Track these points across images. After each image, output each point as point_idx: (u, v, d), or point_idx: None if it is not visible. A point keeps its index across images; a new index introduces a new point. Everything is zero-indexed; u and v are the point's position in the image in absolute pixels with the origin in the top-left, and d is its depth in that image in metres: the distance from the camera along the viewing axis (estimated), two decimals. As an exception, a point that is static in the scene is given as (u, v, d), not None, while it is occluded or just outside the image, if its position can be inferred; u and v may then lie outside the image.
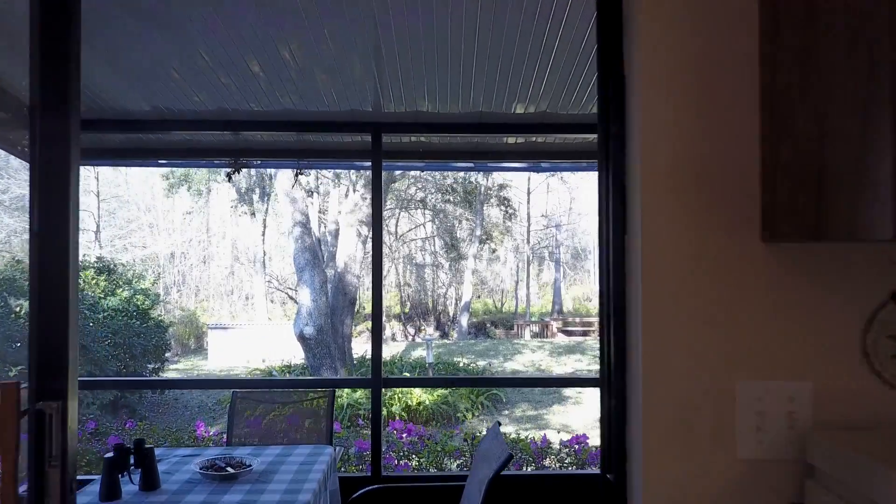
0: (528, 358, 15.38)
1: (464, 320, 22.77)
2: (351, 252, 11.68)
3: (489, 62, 2.57)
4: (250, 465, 2.25)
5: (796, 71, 0.89)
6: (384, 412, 8.93)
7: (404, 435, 4.23)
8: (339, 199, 15.52)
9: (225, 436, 3.24)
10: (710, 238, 0.99)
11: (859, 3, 0.76)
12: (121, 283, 10.22)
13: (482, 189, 22.76)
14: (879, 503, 0.74)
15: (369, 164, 3.19)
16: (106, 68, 2.61)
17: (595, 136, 3.20)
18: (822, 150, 0.82)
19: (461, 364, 12.71)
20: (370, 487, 2.49)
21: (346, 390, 9.70)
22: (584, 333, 23.72)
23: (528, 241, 27.59)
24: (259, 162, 3.42)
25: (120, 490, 2.05)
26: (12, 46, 2.40)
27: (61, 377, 1.02)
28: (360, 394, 9.65)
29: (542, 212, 33.65)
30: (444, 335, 24.60)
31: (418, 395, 9.64)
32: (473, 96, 2.88)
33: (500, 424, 2.40)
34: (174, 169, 23.22)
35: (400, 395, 9.52)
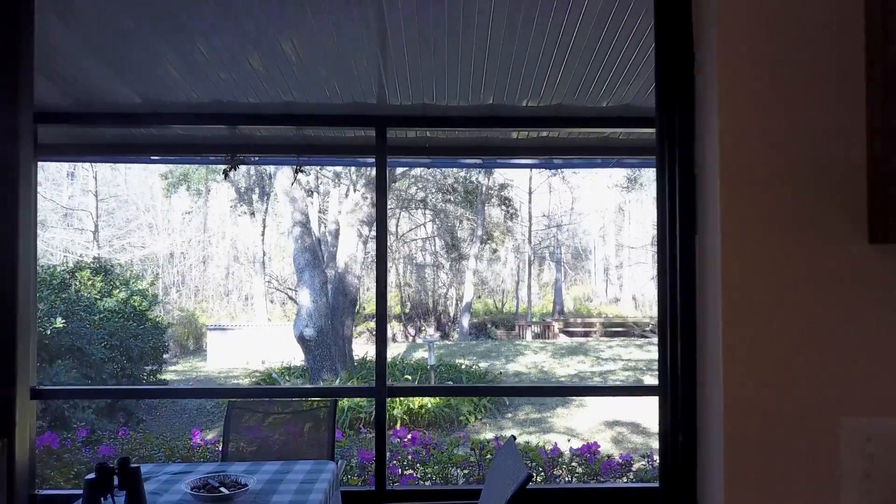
0: (531, 359, 15.22)
1: (465, 321, 22.60)
2: (351, 252, 11.51)
3: (502, 53, 2.40)
4: (246, 485, 2.08)
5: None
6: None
7: (408, 441, 4.06)
8: (340, 198, 15.36)
9: (220, 444, 3.08)
10: (803, 239, 0.81)
11: None
12: (118, 283, 10.05)
13: (483, 189, 22.60)
14: None
15: (373, 160, 3.02)
16: (95, 61, 2.45)
17: (612, 129, 3.02)
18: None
19: (463, 366, 12.54)
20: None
21: (346, 393, 9.55)
22: (586, 334, 23.57)
23: (530, 241, 27.41)
24: (257, 158, 3.26)
25: (103, 513, 1.88)
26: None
27: (6, 410, 0.85)
28: (360, 385, 9.48)
29: (543, 211, 33.51)
30: (445, 336, 24.44)
31: (420, 398, 9.47)
32: (484, 89, 2.71)
33: (514, 439, 2.22)
34: (173, 169, 23.12)
35: (402, 399, 9.35)
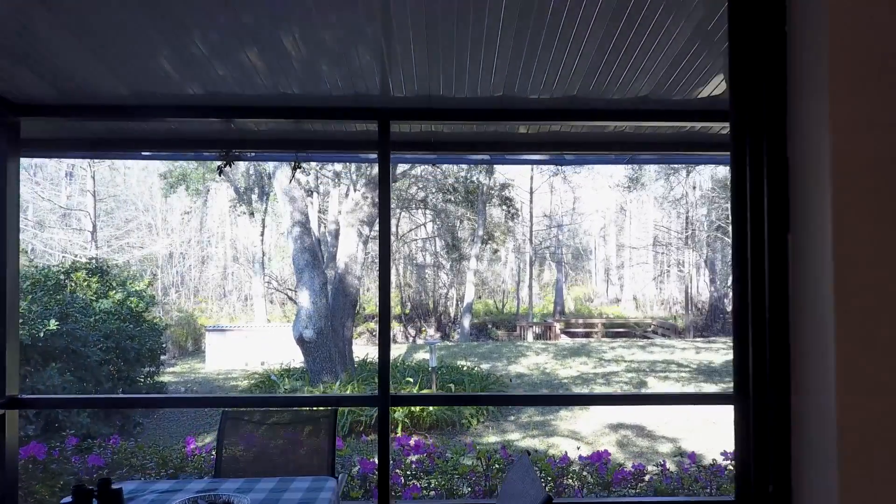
0: (532, 361, 15.06)
1: (466, 322, 22.45)
2: (352, 252, 11.35)
3: (514, 41, 2.24)
4: (239, 504, 1.93)
5: None
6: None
7: (411, 452, 3.90)
8: (340, 198, 15.21)
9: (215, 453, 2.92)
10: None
11: None
12: (114, 284, 9.89)
13: (484, 188, 22.45)
14: None
15: (375, 155, 2.86)
16: (82, 51, 2.29)
17: (627, 123, 2.85)
18: None
19: (464, 368, 12.38)
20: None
21: (346, 392, 9.39)
22: (587, 335, 23.44)
23: (531, 241, 27.26)
24: (253, 154, 3.10)
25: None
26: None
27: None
28: (362, 394, 9.33)
29: (544, 211, 33.37)
30: (445, 336, 24.30)
31: (419, 394, 9.31)
32: (493, 79, 2.55)
33: (529, 454, 2.06)
34: (172, 168, 23.00)
35: (403, 401, 9.20)
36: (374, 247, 20.40)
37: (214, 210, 29.59)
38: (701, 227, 27.83)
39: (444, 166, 22.54)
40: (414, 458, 3.89)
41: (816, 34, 0.73)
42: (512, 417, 9.91)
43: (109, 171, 25.78)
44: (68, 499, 1.69)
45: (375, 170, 12.15)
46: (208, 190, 25.17)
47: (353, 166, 12.69)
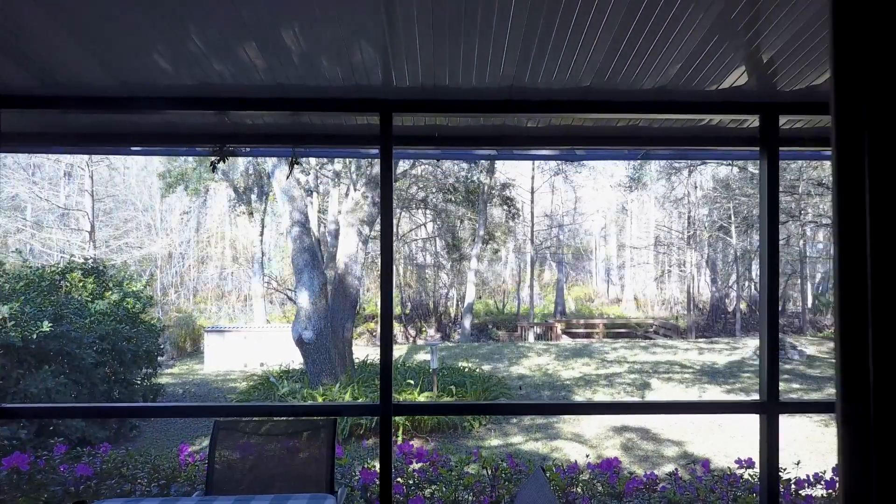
0: (534, 362, 14.92)
1: (467, 322, 22.30)
2: (351, 252, 11.20)
3: (527, 26, 2.09)
4: (230, 526, 1.78)
5: None
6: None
7: (414, 459, 3.74)
8: (340, 198, 15.07)
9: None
10: None
11: None
12: (111, 285, 9.73)
13: (485, 188, 22.32)
14: None
15: (376, 150, 2.71)
16: (66, 39, 2.14)
17: (645, 115, 2.69)
18: None
19: (466, 369, 12.23)
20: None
21: (345, 397, 9.24)
22: (588, 335, 23.30)
23: (532, 241, 27.12)
24: (248, 149, 2.95)
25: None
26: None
27: None
28: (362, 401, 9.19)
29: (545, 211, 33.24)
30: (446, 337, 24.16)
31: (423, 403, 9.17)
32: (503, 68, 2.39)
33: (544, 470, 1.91)
34: (171, 168, 22.88)
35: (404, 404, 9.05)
36: (374, 247, 20.28)
37: (214, 210, 29.47)
38: (702, 226, 27.69)
39: (445, 166, 22.41)
40: (417, 465, 3.74)
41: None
42: (514, 420, 9.76)
43: (108, 170, 25.64)
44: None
45: (376, 169, 12.00)
46: (207, 190, 25.03)
47: (353, 166, 12.53)
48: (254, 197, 21.88)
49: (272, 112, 2.63)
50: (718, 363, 14.39)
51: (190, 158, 20.42)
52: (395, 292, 26.41)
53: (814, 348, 16.21)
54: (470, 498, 3.32)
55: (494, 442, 8.63)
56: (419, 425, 8.80)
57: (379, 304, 2.55)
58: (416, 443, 8.46)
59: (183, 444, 3.73)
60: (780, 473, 2.54)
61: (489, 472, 3.43)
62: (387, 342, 2.58)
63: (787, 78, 2.52)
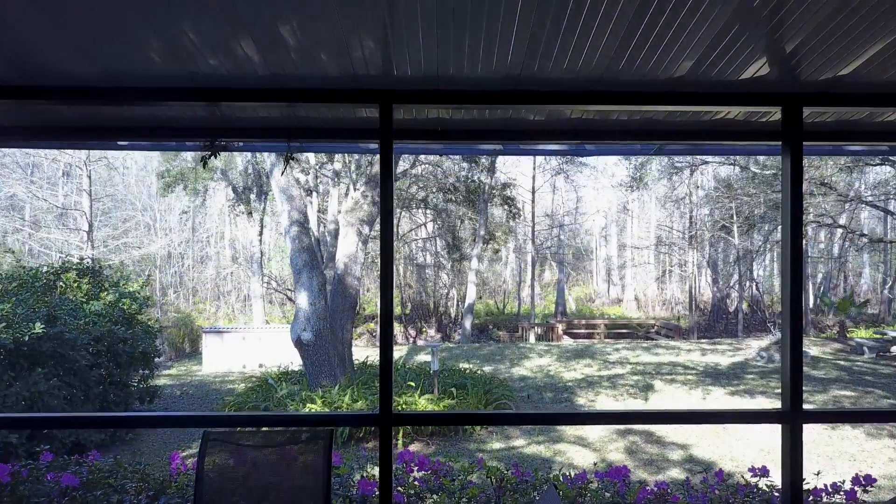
0: (536, 363, 14.77)
1: (467, 323, 22.15)
2: (351, 252, 11.05)
3: (537, 9, 1.94)
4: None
5: None
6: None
7: (415, 468, 3.59)
8: (339, 197, 14.94)
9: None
10: None
11: None
12: (107, 285, 9.58)
13: (486, 188, 22.18)
14: None
15: (376, 145, 2.56)
16: (45, 25, 1.99)
17: (661, 107, 2.53)
18: None
19: (467, 371, 12.09)
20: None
21: (345, 399, 9.10)
22: (589, 336, 23.14)
23: (533, 241, 26.98)
24: (241, 144, 2.81)
25: None
26: None
27: None
28: (361, 404, 9.04)
29: (545, 211, 33.11)
30: (446, 337, 24.02)
31: (423, 405, 9.03)
32: (511, 55, 2.24)
33: (556, 488, 1.76)
34: (170, 168, 22.74)
35: (403, 406, 8.91)
36: (374, 246, 20.13)
37: (213, 209, 29.35)
38: (703, 226, 27.56)
39: (445, 165, 22.27)
40: (418, 474, 3.59)
41: None
42: (516, 423, 9.61)
43: (107, 170, 25.51)
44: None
45: (376, 168, 11.84)
46: (206, 189, 24.90)
47: (353, 165, 12.39)
48: (253, 196, 21.74)
49: (266, 104, 2.47)
50: (722, 364, 14.24)
51: (188, 157, 20.28)
52: (396, 292, 26.28)
53: (817, 349, 16.05)
54: (474, 509, 3.17)
55: (496, 445, 8.49)
56: (419, 428, 8.65)
57: (379, 304, 2.40)
58: (416, 446, 8.31)
59: (175, 452, 3.58)
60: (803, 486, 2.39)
61: (493, 482, 3.28)
62: (387, 348, 2.43)
63: (811, 68, 2.37)
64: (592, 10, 1.96)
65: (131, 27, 2.00)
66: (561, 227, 31.87)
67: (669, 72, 2.38)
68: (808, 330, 22.87)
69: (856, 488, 3.35)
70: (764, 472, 3.72)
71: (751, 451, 8.12)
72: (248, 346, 15.14)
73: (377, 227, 11.05)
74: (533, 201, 26.70)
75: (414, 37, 2.10)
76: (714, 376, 12.77)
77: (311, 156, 17.65)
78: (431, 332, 24.79)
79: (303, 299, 10.29)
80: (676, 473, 7.34)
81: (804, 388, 10.55)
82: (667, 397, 10.95)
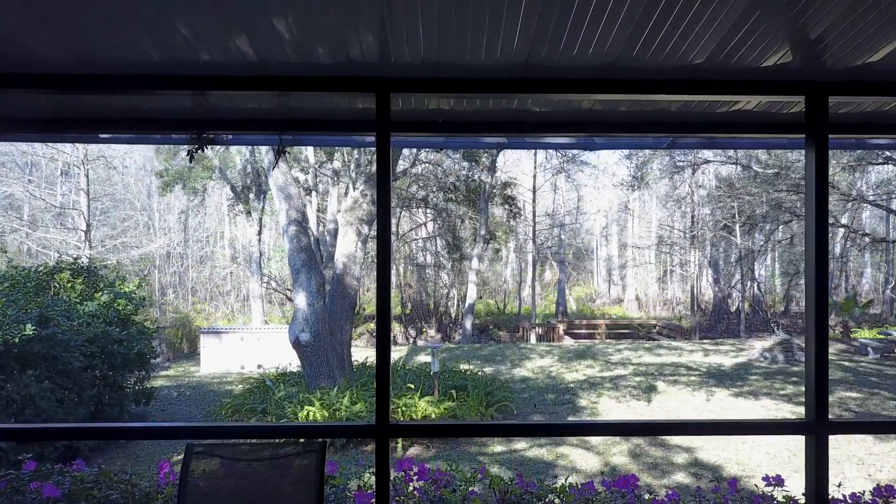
0: (537, 364, 14.62)
1: (468, 323, 21.99)
2: (350, 252, 10.90)
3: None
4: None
5: None
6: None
7: (414, 477, 3.44)
8: (339, 197, 14.79)
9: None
10: None
11: None
12: (101, 286, 9.42)
13: (486, 187, 22.03)
14: None
15: (373, 138, 2.41)
16: (14, 6, 1.84)
17: (678, 97, 2.37)
18: None
19: (467, 372, 11.93)
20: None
21: (343, 402, 8.94)
22: (590, 336, 22.98)
23: (534, 241, 26.81)
24: (230, 137, 2.65)
25: None
26: None
27: None
28: (360, 406, 8.88)
29: (546, 210, 32.95)
30: (446, 337, 23.86)
31: (423, 407, 8.87)
32: (518, 40, 2.08)
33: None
34: (168, 167, 22.58)
35: (403, 409, 8.75)
36: (374, 246, 19.96)
37: (212, 209, 29.21)
38: (705, 226, 27.41)
39: (446, 164, 22.11)
40: (417, 483, 3.44)
41: None
42: (518, 425, 9.45)
43: (106, 169, 25.35)
44: None
45: (375, 167, 11.67)
46: (205, 188, 24.75)
47: (353, 164, 12.23)
48: (252, 196, 21.58)
49: (255, 92, 2.31)
50: (725, 365, 14.08)
51: (187, 156, 20.11)
52: (396, 292, 26.12)
53: (822, 350, 15.89)
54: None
55: (498, 448, 8.33)
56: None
57: (376, 313, 2.25)
58: (415, 450, 8.15)
59: (163, 461, 3.42)
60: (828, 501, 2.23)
61: (496, 494, 3.12)
62: (384, 356, 2.27)
63: (839, 54, 2.21)
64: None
65: (109, 8, 1.85)
66: (562, 226, 31.72)
67: (686, 59, 2.23)
68: (811, 330, 22.69)
69: (877, 500, 3.20)
70: (779, 480, 3.57)
71: (757, 454, 7.96)
72: (247, 346, 14.98)
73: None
74: (534, 200, 26.54)
75: (413, 21, 1.95)
76: (718, 377, 12.61)
77: (310, 155, 17.51)
78: (432, 332, 24.63)
79: (301, 300, 10.13)
80: (682, 478, 7.19)
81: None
82: (670, 399, 10.79)
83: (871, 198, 22.96)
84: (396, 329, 23.80)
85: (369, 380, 10.32)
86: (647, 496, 3.47)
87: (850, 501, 3.27)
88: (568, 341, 20.81)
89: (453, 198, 22.48)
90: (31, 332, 6.63)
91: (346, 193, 11.88)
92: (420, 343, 21.96)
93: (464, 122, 2.65)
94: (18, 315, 6.91)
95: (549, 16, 1.93)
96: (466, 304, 22.28)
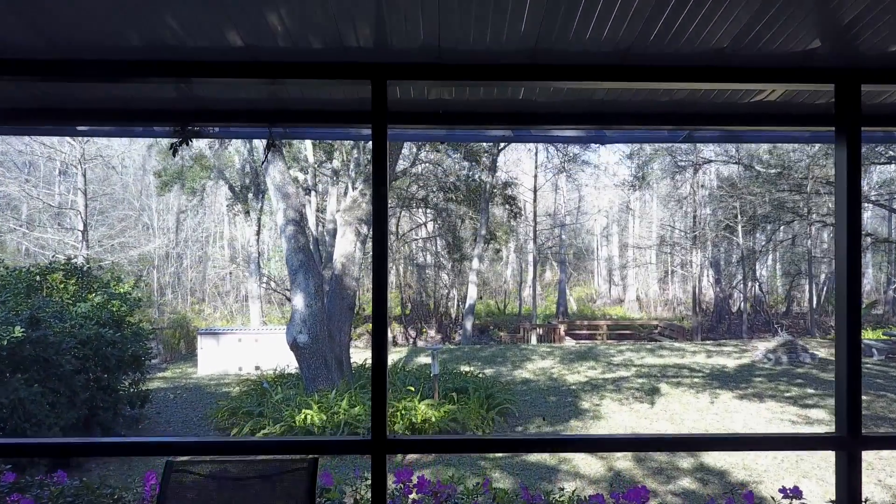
0: (538, 366, 14.44)
1: (468, 323, 21.81)
2: (349, 252, 10.73)
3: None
4: None
5: None
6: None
7: (414, 489, 3.26)
8: (339, 196, 14.62)
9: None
10: None
11: None
12: (96, 286, 9.24)
13: (487, 187, 21.86)
14: None
15: (369, 130, 2.23)
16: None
17: (698, 85, 2.18)
18: None
19: (468, 374, 11.75)
20: None
21: (342, 405, 8.77)
22: (591, 337, 22.80)
23: (535, 241, 26.64)
24: (217, 129, 2.49)
25: None
26: None
27: None
28: (360, 409, 8.71)
29: (547, 210, 32.77)
30: (447, 338, 23.68)
31: (423, 411, 8.70)
32: (526, 22, 1.91)
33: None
34: (167, 167, 22.40)
35: (403, 412, 8.58)
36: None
37: (211, 208, 29.03)
38: (706, 226, 27.23)
39: (446, 164, 21.93)
40: (416, 496, 3.27)
41: None
42: (519, 428, 9.31)
43: (104, 169, 25.16)
44: None
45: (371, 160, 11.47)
46: (204, 188, 24.58)
47: (352, 163, 12.05)
48: (250, 195, 21.41)
49: (242, 80, 2.14)
50: (728, 366, 13.91)
51: (185, 155, 19.93)
52: (396, 293, 25.95)
53: (825, 351, 15.73)
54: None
55: (499, 453, 8.16)
56: (418, 434, 8.33)
57: (372, 318, 2.07)
58: (415, 454, 7.97)
59: (149, 472, 3.25)
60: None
61: (501, 508, 2.95)
62: (380, 363, 2.10)
63: (873, 39, 2.04)
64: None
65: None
66: (562, 226, 31.54)
67: (708, 44, 2.05)
68: (813, 331, 22.54)
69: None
70: (796, 493, 3.40)
71: (764, 458, 7.79)
72: (245, 347, 14.81)
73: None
74: (534, 200, 26.37)
75: (412, 0, 1.78)
76: (721, 379, 12.44)
77: (309, 154, 17.33)
78: (432, 332, 24.45)
79: (299, 301, 9.96)
80: (688, 483, 7.01)
81: (816, 391, 10.15)
82: (674, 401, 10.61)
83: (874, 197, 22.77)
84: (396, 330, 23.63)
85: (368, 382, 10.14)
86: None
87: (873, 516, 3.09)
88: (569, 342, 20.64)
89: (453, 198, 22.31)
90: (20, 335, 6.45)
91: (345, 193, 11.71)
92: (420, 344, 21.78)
93: (466, 112, 2.48)
94: (8, 317, 6.73)
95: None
96: (467, 305, 22.10)
